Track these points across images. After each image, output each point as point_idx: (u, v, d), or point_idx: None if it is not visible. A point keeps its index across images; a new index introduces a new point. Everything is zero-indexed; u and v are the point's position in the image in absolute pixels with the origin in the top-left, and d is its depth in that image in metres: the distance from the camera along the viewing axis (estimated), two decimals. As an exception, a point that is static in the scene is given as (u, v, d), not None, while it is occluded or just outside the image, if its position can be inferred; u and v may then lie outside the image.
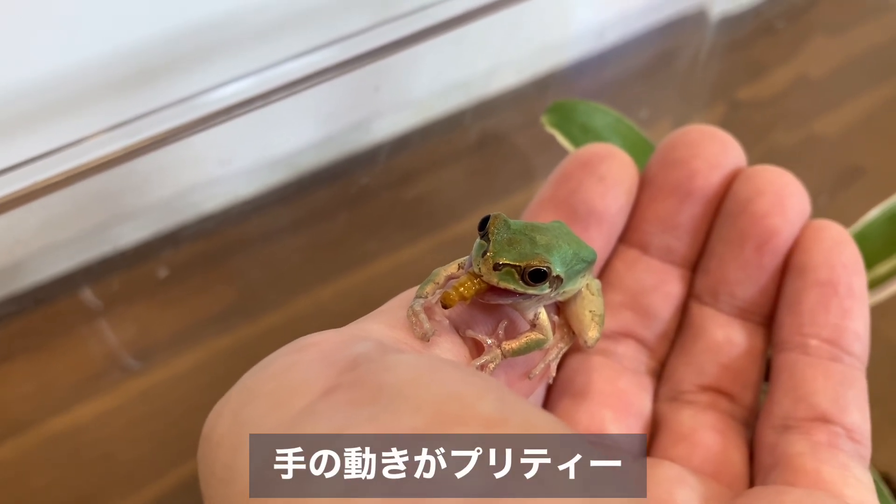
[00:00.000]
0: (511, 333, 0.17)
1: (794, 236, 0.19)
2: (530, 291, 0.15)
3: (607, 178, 0.19)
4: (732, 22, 0.44)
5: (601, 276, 0.21)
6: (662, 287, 0.20)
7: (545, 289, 0.16)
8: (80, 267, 0.38)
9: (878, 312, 0.24)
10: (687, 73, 0.41)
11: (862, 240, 0.25)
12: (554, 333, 0.17)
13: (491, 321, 0.17)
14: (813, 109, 0.49)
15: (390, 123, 0.45)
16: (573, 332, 0.18)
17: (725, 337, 0.19)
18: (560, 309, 0.18)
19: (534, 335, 0.16)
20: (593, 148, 0.20)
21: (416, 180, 0.44)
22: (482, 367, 0.16)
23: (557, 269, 0.16)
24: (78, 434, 0.36)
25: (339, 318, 0.42)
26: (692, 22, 0.41)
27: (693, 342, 0.20)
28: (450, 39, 0.30)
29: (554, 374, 0.18)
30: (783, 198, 0.19)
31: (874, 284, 0.25)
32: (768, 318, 0.20)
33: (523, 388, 0.17)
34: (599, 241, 0.20)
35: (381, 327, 0.15)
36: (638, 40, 0.39)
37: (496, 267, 0.15)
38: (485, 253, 0.15)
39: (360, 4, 0.37)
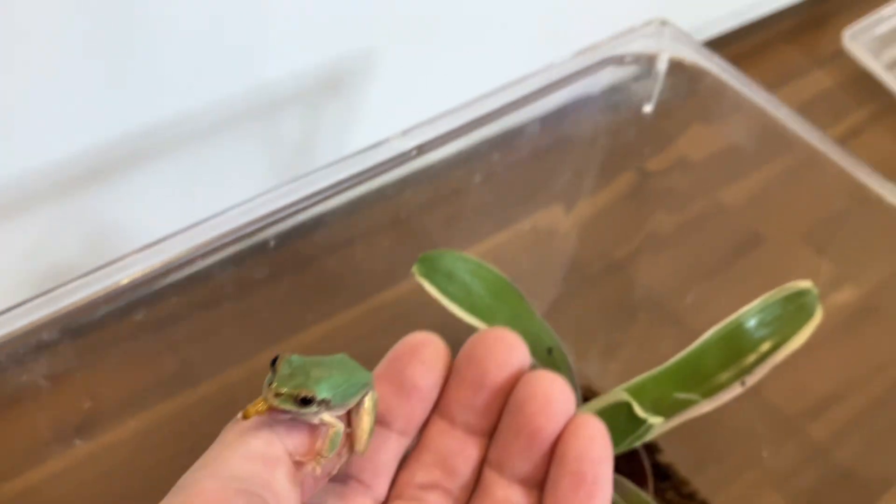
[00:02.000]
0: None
1: (559, 430, 0.25)
2: (303, 411, 0.21)
3: (426, 361, 0.25)
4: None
5: (420, 440, 0.26)
6: (464, 452, 0.26)
7: (313, 408, 0.21)
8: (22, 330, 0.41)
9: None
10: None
11: (701, 355, 0.31)
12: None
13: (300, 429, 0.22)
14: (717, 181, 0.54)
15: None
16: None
17: (505, 497, 0.25)
18: (349, 418, 0.24)
19: (329, 431, 0.22)
20: (418, 336, 0.26)
21: (350, 250, 0.48)
22: (314, 477, 0.22)
23: (323, 395, 0.21)
24: (30, 496, 0.39)
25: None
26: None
27: (483, 499, 0.26)
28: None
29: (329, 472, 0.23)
30: (550, 401, 0.25)
31: (712, 392, 0.31)
32: (541, 486, 0.26)
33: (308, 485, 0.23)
34: (418, 409, 0.26)
35: None
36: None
37: (277, 394, 0.21)
38: (270, 383, 0.21)
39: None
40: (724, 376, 0.30)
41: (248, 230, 0.41)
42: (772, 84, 0.66)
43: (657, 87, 0.34)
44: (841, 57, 0.68)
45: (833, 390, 0.48)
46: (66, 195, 0.41)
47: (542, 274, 0.45)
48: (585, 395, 0.46)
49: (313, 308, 0.46)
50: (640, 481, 0.34)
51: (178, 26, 0.37)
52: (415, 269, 0.28)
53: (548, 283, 0.45)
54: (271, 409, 0.21)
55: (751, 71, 0.67)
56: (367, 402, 0.23)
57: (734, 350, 0.30)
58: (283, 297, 0.45)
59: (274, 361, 0.21)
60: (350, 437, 0.23)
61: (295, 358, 0.22)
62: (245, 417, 0.21)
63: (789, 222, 0.58)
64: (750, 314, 0.31)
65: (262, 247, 0.45)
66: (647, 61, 0.33)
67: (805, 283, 0.31)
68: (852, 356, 0.49)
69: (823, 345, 0.49)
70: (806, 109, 0.65)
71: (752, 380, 0.30)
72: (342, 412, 0.22)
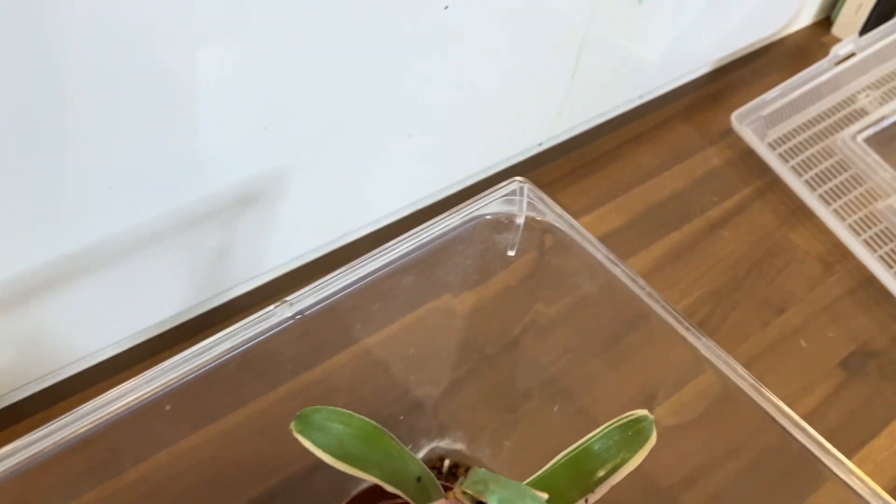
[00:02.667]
0: None
1: None
2: None
3: None
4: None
5: None
6: None
7: None
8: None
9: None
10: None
11: (551, 477, 0.36)
12: None
13: None
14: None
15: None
16: None
17: None
18: None
19: None
20: None
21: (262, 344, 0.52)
22: None
23: (491, 500, 0.27)
24: None
25: (197, 469, 0.51)
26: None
27: None
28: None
29: None
30: None
31: None
32: None
33: None
34: None
35: None
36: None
37: (463, 492, 0.28)
38: (461, 483, 0.28)
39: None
40: (572, 493, 0.35)
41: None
42: (666, 163, 0.73)
43: (518, 237, 0.39)
44: (730, 135, 0.74)
45: (704, 464, 0.53)
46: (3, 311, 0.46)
47: (432, 360, 0.50)
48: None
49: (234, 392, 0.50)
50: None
51: (105, 162, 0.41)
52: (292, 426, 0.32)
53: (439, 369, 0.50)
54: (456, 500, 0.28)
55: (647, 150, 0.73)
56: None
57: (581, 471, 0.35)
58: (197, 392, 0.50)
59: (468, 470, 0.29)
60: None
61: (482, 471, 0.28)
62: (447, 498, 0.29)
63: (672, 293, 0.64)
64: (594, 440, 0.35)
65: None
66: (507, 219, 0.38)
67: (641, 412, 0.36)
68: (718, 433, 0.55)
69: (694, 423, 0.55)
70: (697, 186, 0.71)
71: (594, 497, 0.35)
72: None
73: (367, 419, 0.34)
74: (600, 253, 0.37)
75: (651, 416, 0.36)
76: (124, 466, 0.48)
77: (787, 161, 0.71)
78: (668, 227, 0.67)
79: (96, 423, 0.31)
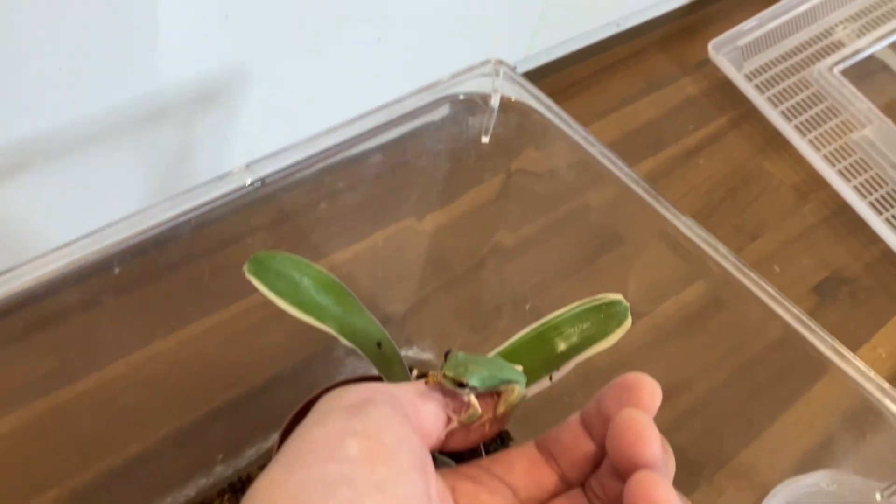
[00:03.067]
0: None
1: None
2: (458, 390, 0.27)
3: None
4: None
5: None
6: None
7: (466, 390, 0.28)
8: None
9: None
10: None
11: (517, 349, 0.34)
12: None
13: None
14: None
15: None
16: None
17: None
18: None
19: (470, 409, 0.28)
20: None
21: (227, 250, 0.50)
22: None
23: (473, 383, 0.27)
24: None
25: (151, 379, 0.49)
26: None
27: None
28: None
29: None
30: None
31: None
32: None
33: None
34: None
35: None
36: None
37: (444, 376, 0.27)
38: (441, 367, 0.28)
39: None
40: (537, 370, 0.33)
41: (129, 241, 0.43)
42: (642, 91, 0.71)
43: (492, 121, 0.37)
44: (707, 66, 0.72)
45: (678, 381, 0.53)
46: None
47: (400, 280, 0.48)
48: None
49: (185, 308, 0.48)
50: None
51: (53, 40, 0.38)
52: (245, 268, 0.30)
53: (406, 288, 0.48)
54: (439, 384, 0.28)
55: (622, 78, 0.71)
56: (511, 395, 0.29)
57: (545, 348, 0.33)
58: (158, 299, 0.47)
59: (447, 354, 0.28)
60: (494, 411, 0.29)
61: (461, 354, 0.28)
62: (426, 383, 0.28)
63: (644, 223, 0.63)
64: (564, 318, 0.33)
65: (140, 251, 0.47)
66: (482, 99, 0.36)
67: (615, 296, 0.34)
68: (700, 347, 0.54)
69: (676, 336, 0.54)
70: (673, 114, 0.70)
71: (558, 375, 0.33)
72: (489, 396, 0.29)
73: (325, 270, 0.32)
74: (579, 135, 0.35)
75: (626, 302, 0.34)
76: (76, 375, 0.46)
77: (763, 92, 0.69)
78: (643, 153, 0.66)
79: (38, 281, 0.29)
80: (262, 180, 0.32)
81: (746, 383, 0.50)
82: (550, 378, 0.33)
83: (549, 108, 0.36)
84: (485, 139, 0.38)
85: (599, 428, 0.27)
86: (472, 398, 0.28)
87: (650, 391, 0.27)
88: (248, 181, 0.31)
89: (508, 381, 0.29)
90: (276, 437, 0.47)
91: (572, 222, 0.54)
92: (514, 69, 0.36)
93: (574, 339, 0.34)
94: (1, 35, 0.37)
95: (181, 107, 0.46)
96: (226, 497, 0.44)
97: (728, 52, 0.71)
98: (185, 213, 0.32)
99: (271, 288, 0.30)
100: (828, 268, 0.61)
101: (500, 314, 0.53)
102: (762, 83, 0.70)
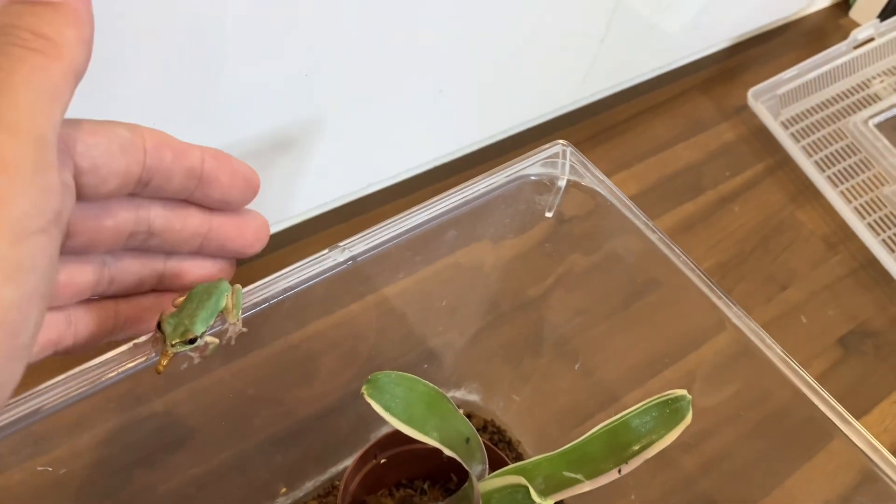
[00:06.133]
0: None
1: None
2: (194, 345, 0.30)
3: None
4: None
5: None
6: None
7: (199, 340, 0.30)
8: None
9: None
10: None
11: (589, 444, 0.37)
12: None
13: None
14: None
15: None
16: None
17: None
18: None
19: (210, 346, 0.32)
20: None
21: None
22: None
23: (201, 330, 0.30)
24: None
25: (213, 407, 0.52)
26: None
27: None
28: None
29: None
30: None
31: (594, 475, 0.37)
32: None
33: None
34: None
35: None
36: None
37: (172, 346, 0.30)
38: (164, 342, 0.30)
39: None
40: (605, 464, 0.36)
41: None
42: (683, 134, 0.74)
43: (557, 199, 0.40)
44: (745, 111, 0.75)
45: (707, 427, 0.56)
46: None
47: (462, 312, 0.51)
48: (488, 427, 0.53)
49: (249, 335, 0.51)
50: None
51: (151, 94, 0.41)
52: (364, 390, 0.34)
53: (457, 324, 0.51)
54: (174, 357, 0.30)
55: (664, 120, 0.74)
56: (229, 302, 0.32)
57: (616, 444, 0.36)
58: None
59: (159, 325, 0.30)
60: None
61: (170, 318, 0.30)
62: (159, 372, 0.30)
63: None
64: (633, 415, 0.36)
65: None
66: (549, 180, 0.39)
67: (681, 392, 0.37)
68: (728, 395, 0.57)
69: (707, 384, 0.57)
70: (711, 159, 0.73)
71: (626, 469, 0.36)
72: (216, 321, 0.31)
73: (429, 384, 0.35)
74: (639, 219, 0.38)
75: (689, 396, 0.37)
76: (144, 399, 0.49)
77: (798, 141, 0.72)
78: (681, 198, 0.68)
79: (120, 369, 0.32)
80: (354, 258, 0.35)
81: (766, 436, 0.53)
82: (619, 471, 0.36)
83: (612, 192, 0.39)
84: (549, 214, 0.41)
85: None
86: (208, 338, 0.31)
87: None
88: (341, 259, 0.34)
89: (219, 302, 0.31)
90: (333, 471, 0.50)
91: (608, 269, 0.57)
92: (579, 153, 0.39)
93: (642, 434, 0.36)
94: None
95: (258, 153, 0.49)
96: (286, 524, 0.47)
97: (766, 99, 0.73)
98: (278, 294, 0.35)
99: (385, 407, 0.34)
100: (853, 320, 0.64)
101: (541, 353, 0.56)
102: (798, 132, 0.73)
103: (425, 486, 0.44)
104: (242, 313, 0.33)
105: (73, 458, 0.46)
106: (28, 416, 0.31)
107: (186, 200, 0.29)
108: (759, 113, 0.73)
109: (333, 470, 0.50)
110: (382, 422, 0.42)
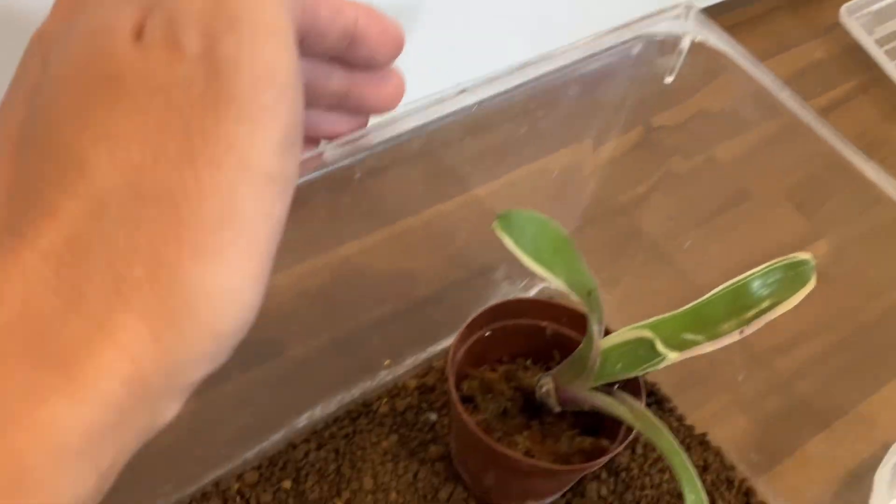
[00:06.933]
0: None
1: None
2: None
3: None
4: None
5: None
6: None
7: None
8: None
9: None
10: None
11: (710, 305, 0.36)
12: None
13: None
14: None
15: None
16: None
17: None
18: None
19: None
20: None
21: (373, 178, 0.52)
22: None
23: None
24: None
25: (310, 291, 0.52)
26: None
27: None
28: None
29: None
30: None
31: (714, 337, 0.36)
32: None
33: None
34: None
35: None
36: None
37: None
38: None
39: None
40: (727, 325, 0.35)
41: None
42: (769, 51, 0.72)
43: (679, 62, 0.39)
44: (836, 30, 0.73)
45: (802, 330, 0.54)
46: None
47: (561, 207, 0.50)
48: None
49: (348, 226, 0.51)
50: (636, 396, 0.40)
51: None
52: (495, 224, 0.33)
53: (566, 215, 0.50)
54: None
55: (750, 38, 0.72)
56: None
57: (738, 305, 0.35)
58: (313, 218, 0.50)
59: None
60: None
61: None
62: None
63: (773, 181, 0.64)
64: (756, 276, 0.35)
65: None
66: (673, 41, 0.38)
67: (805, 255, 0.36)
68: (821, 302, 0.56)
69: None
70: (798, 77, 0.71)
71: (748, 331, 0.35)
72: None
73: (559, 227, 0.34)
74: (776, 84, 0.37)
75: (812, 261, 0.36)
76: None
77: (894, 59, 0.69)
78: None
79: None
80: (479, 103, 0.34)
81: (871, 338, 0.52)
82: (741, 332, 0.35)
83: (737, 51, 0.38)
84: (669, 79, 0.40)
85: None
86: None
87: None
88: (469, 102, 0.34)
89: None
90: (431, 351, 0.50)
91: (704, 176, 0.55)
92: (703, 15, 0.38)
93: (764, 296, 0.35)
94: None
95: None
96: (384, 401, 0.47)
97: (860, 16, 0.71)
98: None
99: (517, 243, 0.33)
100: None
101: (635, 256, 0.55)
102: (893, 49, 0.70)
103: (528, 363, 0.44)
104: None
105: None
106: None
107: (333, 57, 0.28)
108: (851, 30, 0.71)
109: (431, 350, 0.49)
110: (480, 307, 0.42)
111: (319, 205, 0.49)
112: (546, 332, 0.44)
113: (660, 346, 0.33)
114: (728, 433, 0.49)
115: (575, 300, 0.35)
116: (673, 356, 0.34)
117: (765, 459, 0.48)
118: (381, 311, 0.49)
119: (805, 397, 0.52)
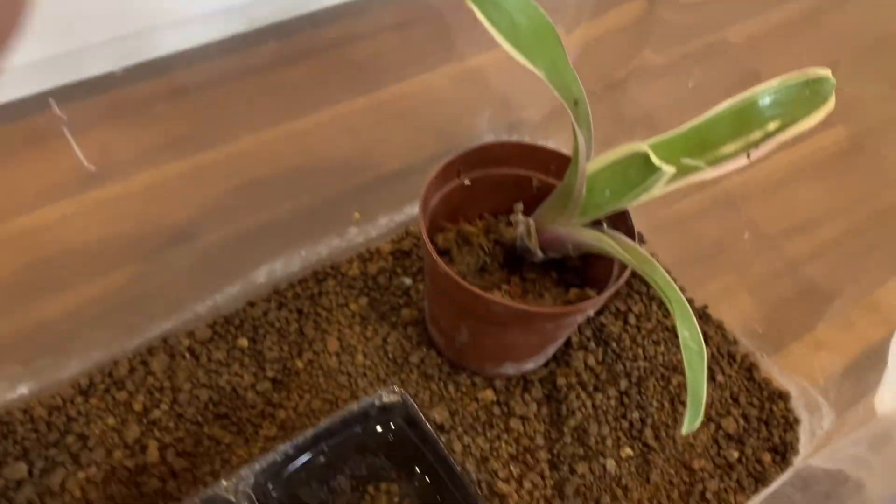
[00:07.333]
0: None
1: None
2: None
3: None
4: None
5: None
6: None
7: None
8: (52, 89, 0.42)
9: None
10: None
11: (711, 125, 0.32)
12: None
13: None
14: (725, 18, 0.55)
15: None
16: None
17: None
18: None
19: None
20: None
21: (360, 42, 0.48)
22: None
23: None
24: (41, 232, 0.41)
25: (280, 157, 0.48)
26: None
27: None
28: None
29: None
30: None
31: (717, 161, 0.31)
32: None
33: None
34: None
35: None
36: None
37: None
38: None
39: None
40: (731, 148, 0.31)
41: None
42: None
43: None
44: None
45: (815, 216, 0.50)
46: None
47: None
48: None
49: (325, 92, 0.47)
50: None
51: None
52: None
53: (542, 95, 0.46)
54: None
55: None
56: None
57: (744, 124, 0.31)
58: (298, 79, 0.46)
59: None
60: None
61: None
62: None
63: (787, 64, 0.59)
64: (765, 92, 0.31)
65: (284, 30, 0.46)
66: None
67: (824, 71, 0.31)
68: (836, 188, 0.52)
69: (813, 175, 0.51)
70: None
71: (756, 154, 0.31)
72: None
73: (542, 11, 0.30)
74: None
75: (833, 79, 0.31)
76: (207, 144, 0.45)
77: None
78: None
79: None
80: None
81: (886, 226, 0.48)
82: (748, 156, 0.31)
83: None
84: None
85: None
86: None
87: None
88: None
89: None
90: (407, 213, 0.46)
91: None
92: None
93: (775, 114, 0.31)
94: None
95: None
96: (354, 264, 0.43)
97: None
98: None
99: (489, 18, 0.28)
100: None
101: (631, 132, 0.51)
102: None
103: (511, 219, 0.40)
104: None
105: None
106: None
107: None
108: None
109: (409, 212, 0.45)
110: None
111: (282, 74, 0.45)
112: (532, 184, 0.39)
113: (654, 159, 0.29)
114: (732, 312, 0.45)
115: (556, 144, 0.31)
116: (669, 170, 0.29)
117: (771, 340, 0.44)
118: (352, 182, 0.46)
119: (816, 282, 0.48)
